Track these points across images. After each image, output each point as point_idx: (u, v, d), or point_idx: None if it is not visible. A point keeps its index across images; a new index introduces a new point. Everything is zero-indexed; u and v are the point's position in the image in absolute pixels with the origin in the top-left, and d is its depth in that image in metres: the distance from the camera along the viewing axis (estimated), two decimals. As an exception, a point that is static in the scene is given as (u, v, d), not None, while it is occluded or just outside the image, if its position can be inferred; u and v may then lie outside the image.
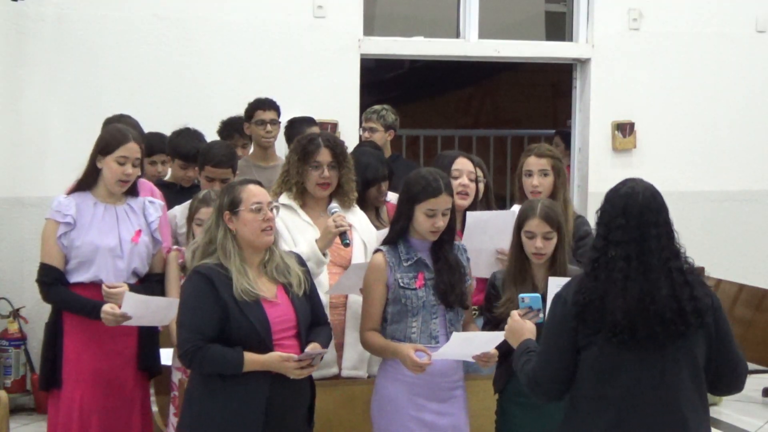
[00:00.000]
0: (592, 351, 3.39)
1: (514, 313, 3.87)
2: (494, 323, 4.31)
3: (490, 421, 4.44)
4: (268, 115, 6.50)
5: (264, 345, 3.93)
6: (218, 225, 4.04)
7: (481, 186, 5.43)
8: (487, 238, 4.80)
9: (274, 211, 4.11)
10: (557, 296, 3.51)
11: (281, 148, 6.83)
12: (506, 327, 3.84)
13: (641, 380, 3.36)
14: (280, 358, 3.93)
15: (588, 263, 3.45)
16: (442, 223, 4.26)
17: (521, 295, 4.11)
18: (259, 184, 4.15)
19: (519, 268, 4.35)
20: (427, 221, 4.25)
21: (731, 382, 3.54)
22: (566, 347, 3.43)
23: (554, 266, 4.29)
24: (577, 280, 3.49)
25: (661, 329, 3.33)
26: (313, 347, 4.01)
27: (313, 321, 4.14)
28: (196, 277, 3.97)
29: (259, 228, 4.02)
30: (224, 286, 3.93)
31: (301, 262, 4.21)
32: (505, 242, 4.58)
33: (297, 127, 6.71)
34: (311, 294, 4.16)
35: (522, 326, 3.77)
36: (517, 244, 4.35)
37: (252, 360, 3.90)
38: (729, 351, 3.48)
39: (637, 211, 3.38)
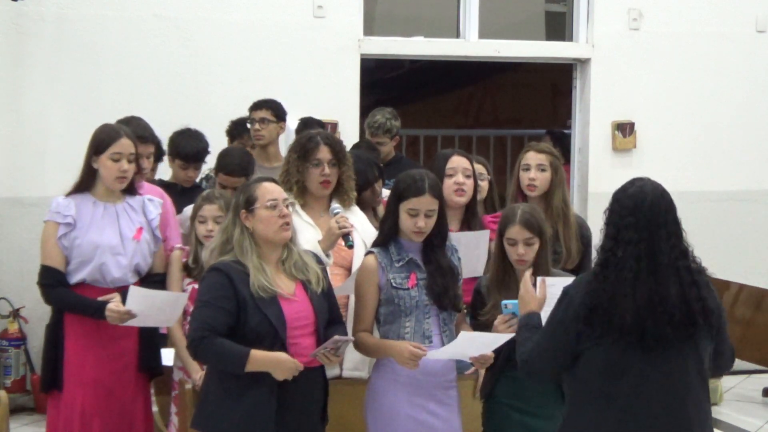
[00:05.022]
0: (598, 352, 3.39)
1: (527, 280, 3.90)
2: (481, 329, 4.30)
3: (478, 421, 4.44)
4: (258, 114, 6.47)
5: (279, 341, 3.94)
6: (235, 224, 4.06)
7: (485, 184, 5.43)
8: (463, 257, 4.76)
9: (290, 207, 4.12)
10: (565, 292, 3.51)
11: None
12: (519, 295, 3.88)
13: (648, 380, 3.36)
14: (290, 358, 3.92)
15: (597, 264, 3.45)
16: (423, 223, 4.21)
17: (504, 302, 4.15)
18: (274, 181, 4.17)
19: (503, 274, 4.35)
20: (409, 220, 4.21)
21: (725, 367, 3.65)
22: (565, 346, 3.44)
23: (538, 272, 4.23)
24: (585, 280, 3.48)
25: (671, 330, 3.34)
26: (335, 340, 4.00)
27: (330, 319, 4.16)
28: (214, 273, 3.98)
29: (276, 225, 4.03)
30: (241, 281, 3.94)
31: (318, 260, 4.23)
32: (480, 268, 4.65)
33: (307, 128, 6.67)
34: (329, 292, 4.18)
35: (531, 297, 3.82)
36: (500, 251, 4.33)
37: (258, 357, 3.87)
38: (726, 342, 3.54)
39: (647, 210, 3.38)
